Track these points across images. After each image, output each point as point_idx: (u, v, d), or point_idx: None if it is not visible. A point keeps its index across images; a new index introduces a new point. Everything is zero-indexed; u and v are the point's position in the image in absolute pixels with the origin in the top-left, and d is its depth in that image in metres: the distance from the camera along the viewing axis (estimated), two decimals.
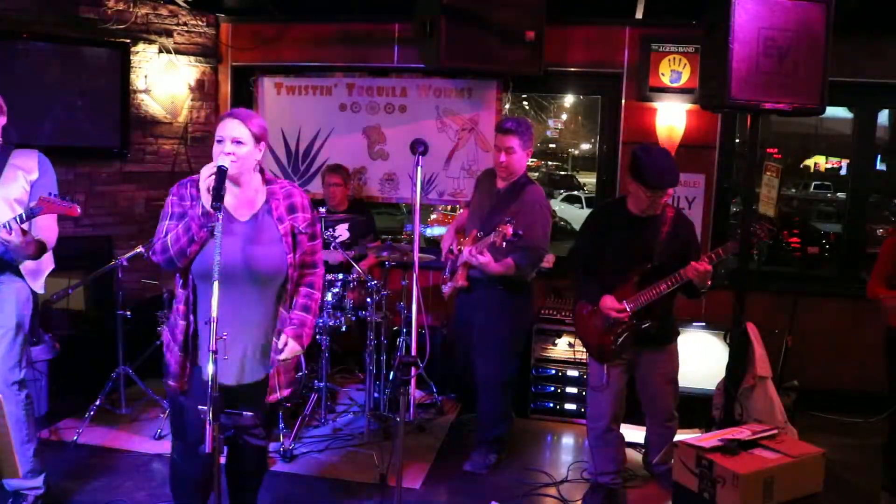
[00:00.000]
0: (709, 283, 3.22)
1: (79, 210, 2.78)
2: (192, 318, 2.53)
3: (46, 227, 2.97)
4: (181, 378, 2.56)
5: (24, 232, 2.76)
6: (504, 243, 3.35)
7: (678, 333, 3.61)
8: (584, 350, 3.63)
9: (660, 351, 3.47)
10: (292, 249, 2.58)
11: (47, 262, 3.12)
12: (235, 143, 2.46)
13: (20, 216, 2.75)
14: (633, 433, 3.96)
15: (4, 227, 2.72)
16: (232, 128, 2.47)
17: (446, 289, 3.91)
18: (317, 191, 5.36)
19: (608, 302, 3.32)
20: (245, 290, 2.52)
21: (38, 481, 3.14)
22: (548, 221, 3.70)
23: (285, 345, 2.58)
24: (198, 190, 2.45)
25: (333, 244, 4.37)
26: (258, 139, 2.52)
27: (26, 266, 3.02)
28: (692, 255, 3.26)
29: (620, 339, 3.35)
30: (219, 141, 2.48)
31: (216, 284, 2.20)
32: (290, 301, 2.65)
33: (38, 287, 3.09)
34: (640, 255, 3.33)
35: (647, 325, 3.33)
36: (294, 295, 2.67)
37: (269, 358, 2.62)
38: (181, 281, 2.55)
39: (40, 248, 2.91)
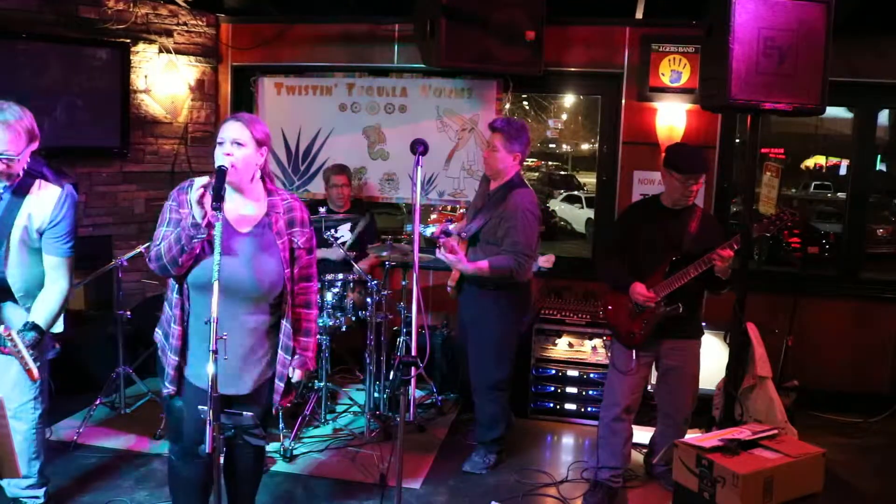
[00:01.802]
0: (729, 271, 3.30)
1: (36, 375, 2.61)
2: (184, 324, 2.54)
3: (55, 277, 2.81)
4: (177, 381, 2.57)
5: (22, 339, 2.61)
6: (441, 244, 3.60)
7: (703, 332, 3.65)
8: (593, 343, 3.72)
9: (684, 343, 3.53)
10: (290, 264, 2.58)
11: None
12: (236, 144, 2.45)
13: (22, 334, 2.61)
14: (638, 433, 3.95)
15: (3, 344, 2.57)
16: (233, 129, 2.47)
17: (449, 289, 4.00)
18: (317, 191, 5.37)
19: (638, 288, 3.41)
20: (241, 301, 2.52)
21: (40, 492, 3.13)
22: (530, 225, 3.63)
23: (295, 369, 2.67)
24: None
25: (335, 244, 4.37)
26: (260, 143, 2.51)
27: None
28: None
29: (649, 324, 3.43)
30: (220, 143, 2.48)
31: (216, 285, 2.20)
32: (289, 313, 2.64)
33: (56, 327, 2.94)
34: (670, 245, 3.44)
35: (674, 307, 3.38)
36: (292, 311, 2.66)
37: (263, 368, 2.63)
38: (176, 287, 2.54)
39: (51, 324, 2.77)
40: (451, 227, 3.75)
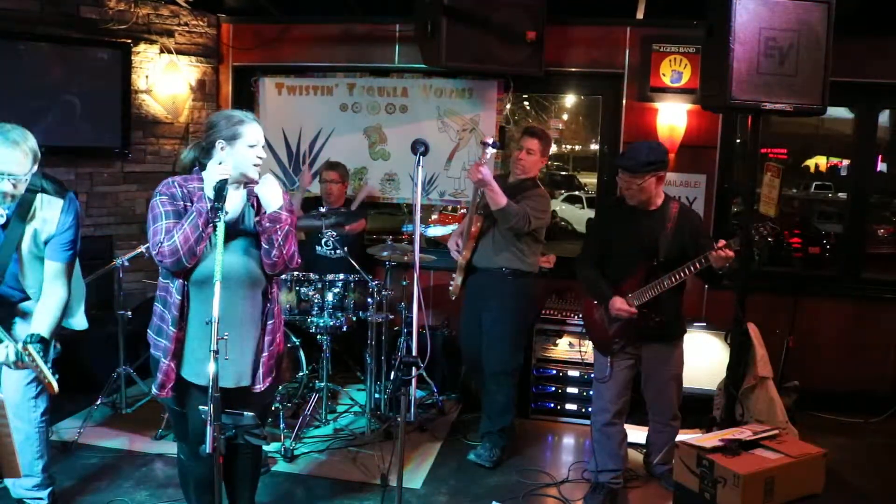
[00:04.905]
0: (727, 265, 3.16)
1: (55, 387, 2.61)
2: (184, 324, 2.54)
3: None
4: (167, 386, 2.57)
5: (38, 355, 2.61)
6: (487, 155, 3.71)
7: (685, 331, 3.62)
8: (590, 344, 3.74)
9: (665, 347, 3.50)
10: None
11: (79, 295, 3.03)
12: (262, 147, 2.56)
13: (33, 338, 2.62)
14: (635, 433, 3.96)
15: (18, 358, 2.57)
16: (261, 132, 2.56)
17: (453, 286, 4.05)
18: (317, 191, 5.36)
19: (617, 303, 3.37)
20: (238, 292, 2.55)
21: (44, 493, 3.12)
22: (547, 206, 3.95)
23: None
24: (188, 190, 2.51)
25: (325, 240, 4.37)
26: None
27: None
28: (704, 245, 3.23)
29: (627, 333, 3.41)
30: (251, 146, 2.52)
31: (218, 285, 2.21)
32: (275, 296, 2.71)
33: (79, 324, 3.06)
34: (644, 247, 3.36)
35: (649, 319, 3.35)
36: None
37: (268, 355, 2.67)
38: (174, 287, 2.52)
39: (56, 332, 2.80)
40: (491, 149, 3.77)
